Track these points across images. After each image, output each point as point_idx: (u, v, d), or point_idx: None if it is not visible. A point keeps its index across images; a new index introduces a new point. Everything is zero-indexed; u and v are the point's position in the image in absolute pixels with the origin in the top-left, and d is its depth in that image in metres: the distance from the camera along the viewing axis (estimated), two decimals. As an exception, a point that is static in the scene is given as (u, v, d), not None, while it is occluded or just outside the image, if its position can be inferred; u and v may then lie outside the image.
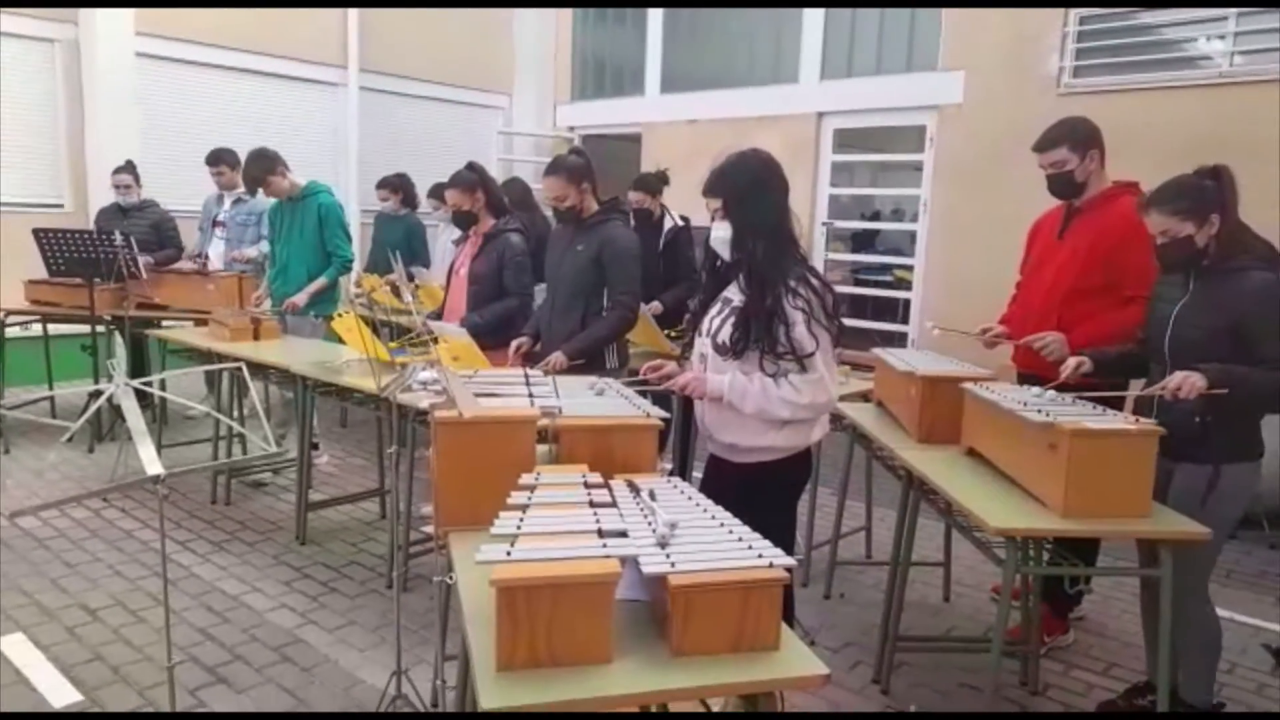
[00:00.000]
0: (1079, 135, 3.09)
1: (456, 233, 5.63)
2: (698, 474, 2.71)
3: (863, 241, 8.90)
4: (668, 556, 1.53)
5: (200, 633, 3.25)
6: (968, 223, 6.68)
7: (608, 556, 1.48)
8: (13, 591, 3.49)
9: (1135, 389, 2.71)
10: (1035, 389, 2.60)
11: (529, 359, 3.55)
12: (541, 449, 2.18)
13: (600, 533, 1.60)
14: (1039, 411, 2.36)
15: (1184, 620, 2.58)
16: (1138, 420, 2.33)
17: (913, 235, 7.30)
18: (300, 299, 4.83)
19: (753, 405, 2.29)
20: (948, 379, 2.91)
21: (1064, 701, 3.01)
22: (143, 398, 2.09)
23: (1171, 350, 2.54)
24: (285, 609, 3.48)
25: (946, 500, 2.61)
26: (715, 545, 1.60)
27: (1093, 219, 3.11)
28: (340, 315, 4.12)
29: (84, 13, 6.88)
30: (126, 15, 6.96)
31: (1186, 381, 2.31)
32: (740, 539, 1.63)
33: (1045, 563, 2.87)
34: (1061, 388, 2.62)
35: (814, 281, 2.30)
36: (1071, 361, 2.73)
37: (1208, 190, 2.46)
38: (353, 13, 8.34)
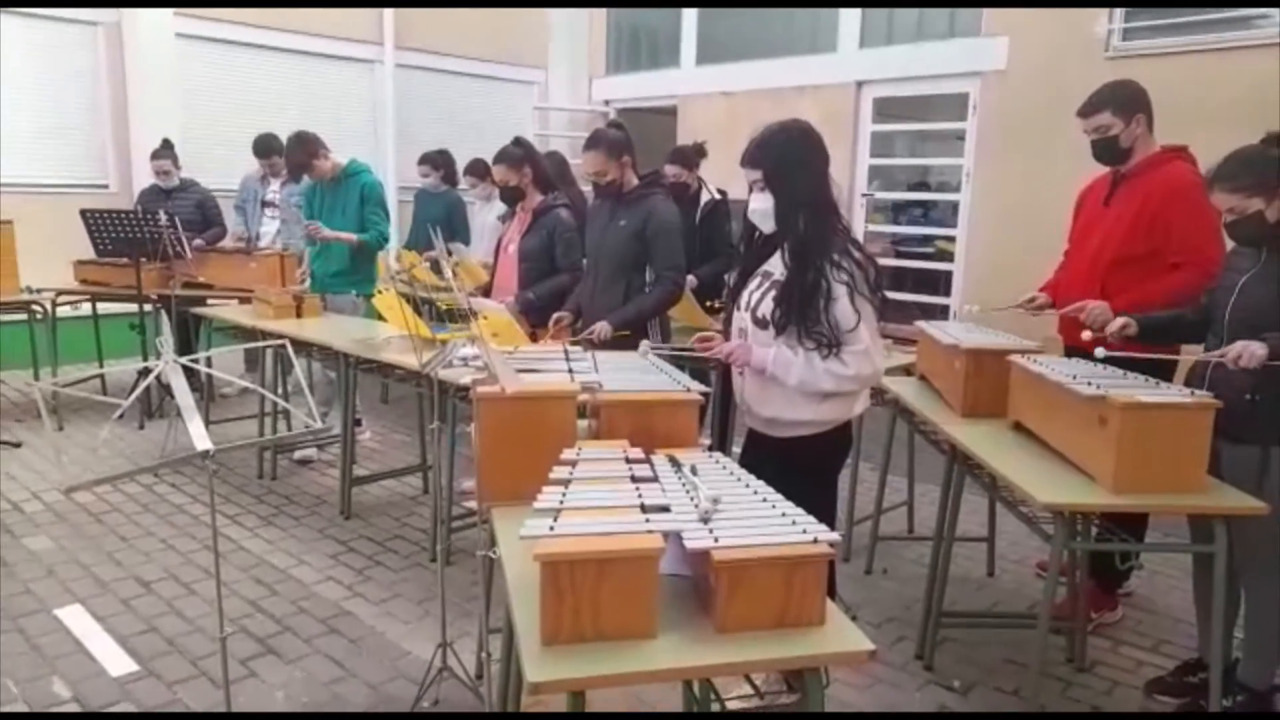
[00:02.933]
0: (1123, 99, 3.00)
1: (495, 209, 5.64)
2: (737, 449, 2.69)
3: (904, 213, 8.75)
4: (711, 531, 1.52)
5: (250, 604, 3.32)
6: (1012, 192, 6.54)
7: (651, 531, 1.48)
8: (71, 564, 3.60)
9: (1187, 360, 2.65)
10: (1086, 361, 2.54)
11: (570, 333, 3.55)
12: (581, 424, 2.18)
13: (643, 508, 1.59)
14: (1089, 384, 2.31)
15: (1253, 600, 2.52)
16: (1193, 393, 2.27)
17: (955, 206, 7.16)
18: (328, 232, 4.77)
19: (796, 377, 2.26)
20: (993, 352, 2.85)
21: (1112, 678, 2.97)
22: (190, 375, 2.12)
23: (1232, 320, 2.46)
24: (332, 582, 3.54)
25: (991, 475, 2.58)
26: (759, 520, 1.59)
27: (1139, 185, 3.03)
28: (380, 292, 4.15)
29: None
30: (167, -4, 7.03)
31: (1247, 350, 2.23)
32: (784, 514, 1.62)
33: (1094, 538, 2.84)
34: (1110, 358, 2.54)
35: (856, 254, 2.26)
36: (1117, 321, 2.66)
37: (1274, 161, 2.36)
38: (389, -11, 8.35)
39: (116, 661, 2.90)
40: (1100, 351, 2.48)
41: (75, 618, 3.18)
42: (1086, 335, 2.63)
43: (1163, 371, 2.73)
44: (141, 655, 2.95)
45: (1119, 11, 6.03)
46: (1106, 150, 3.07)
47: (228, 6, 7.37)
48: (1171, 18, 5.82)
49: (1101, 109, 3.01)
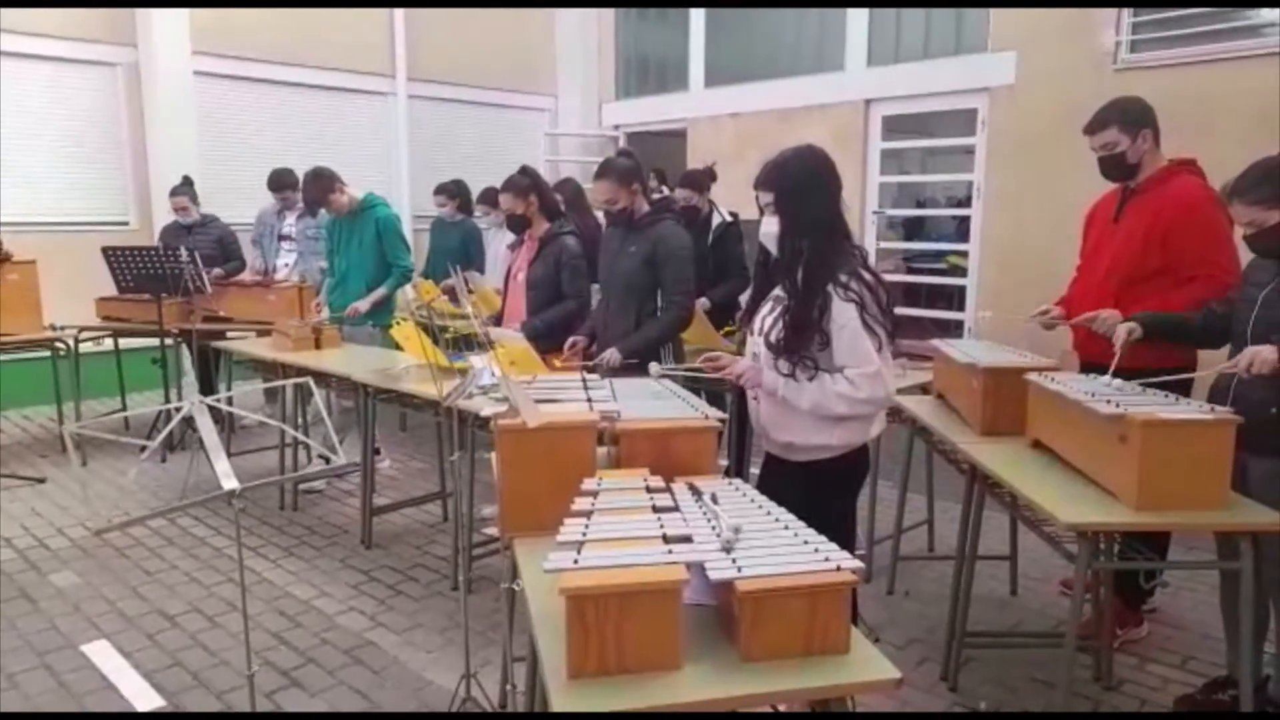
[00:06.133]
0: (1129, 115, 3.01)
1: (506, 237, 5.69)
2: (754, 469, 2.70)
3: (914, 228, 8.77)
4: (733, 561, 1.53)
5: (274, 637, 3.34)
6: (1023, 206, 6.54)
7: (674, 562, 1.49)
8: (96, 600, 3.63)
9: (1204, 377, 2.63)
10: (1103, 378, 2.54)
11: (584, 358, 3.58)
12: (599, 451, 2.19)
13: (665, 538, 1.60)
14: (1108, 402, 2.31)
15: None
16: (1213, 409, 2.26)
17: (962, 220, 7.17)
18: (363, 305, 4.93)
19: (809, 401, 2.26)
20: (1010, 370, 2.85)
21: (1139, 696, 2.94)
22: (212, 410, 2.15)
23: (1254, 335, 2.45)
24: (354, 612, 3.56)
25: (1012, 494, 2.57)
26: (781, 549, 1.59)
27: (1148, 200, 3.03)
28: (398, 323, 4.19)
29: (143, 35, 7.10)
30: (184, 36, 7.17)
31: (1257, 356, 2.23)
32: (805, 542, 1.62)
33: (1117, 555, 2.82)
34: (1121, 371, 2.54)
35: (867, 276, 2.27)
36: (1122, 329, 2.66)
37: None
38: (399, 23, 8.48)
39: (143, 698, 2.92)
40: (1106, 379, 2.48)
41: (102, 653, 3.20)
42: (1106, 380, 2.54)
43: (1181, 385, 2.72)
44: (168, 690, 2.96)
45: (1126, 23, 6.04)
46: (1114, 167, 3.07)
47: (243, 7, 7.48)
48: (1179, 29, 5.83)
49: (1107, 125, 3.02)
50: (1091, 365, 2.99)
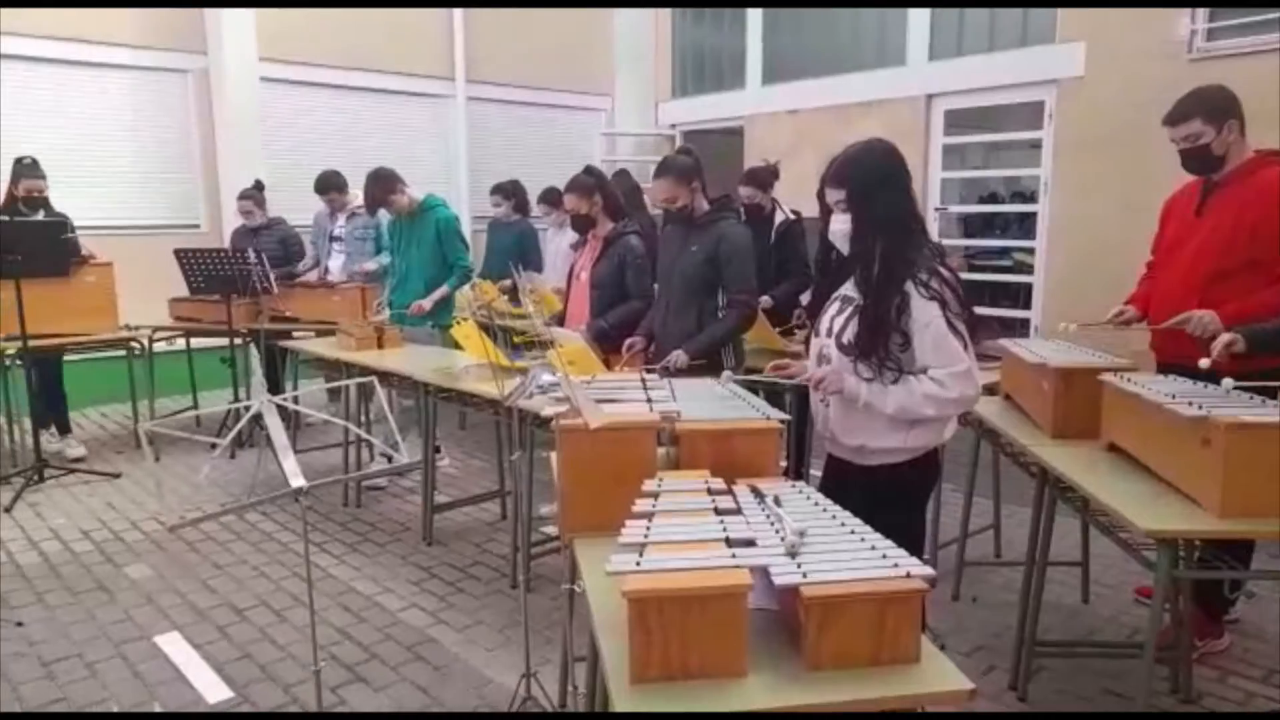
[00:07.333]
0: (1214, 105, 2.88)
1: (568, 236, 5.72)
2: (813, 471, 2.65)
3: (975, 225, 8.57)
4: (799, 566, 1.49)
5: (339, 632, 3.40)
6: (1093, 201, 6.35)
7: (738, 566, 1.46)
8: (169, 593, 3.73)
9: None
10: (1184, 379, 2.44)
11: (643, 360, 3.57)
12: (659, 452, 2.17)
13: (728, 541, 1.58)
14: (1189, 403, 2.21)
15: None
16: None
17: (1026, 216, 6.98)
18: (426, 304, 5.00)
19: (894, 405, 2.18)
20: (1083, 370, 2.76)
21: (1221, 711, 2.82)
22: (279, 407, 2.19)
23: None
24: (416, 609, 3.60)
25: (1085, 498, 2.48)
26: (847, 554, 1.56)
27: (1234, 192, 2.90)
28: (458, 323, 4.23)
29: (213, 43, 7.30)
30: (251, 43, 7.35)
31: None
32: (873, 547, 1.58)
33: (1196, 562, 2.71)
34: (1210, 375, 2.43)
35: (946, 274, 2.20)
36: (1223, 338, 2.53)
37: None
38: (459, 26, 8.57)
39: (214, 689, 2.99)
40: (1205, 362, 2.37)
41: (174, 645, 3.29)
42: (1205, 363, 2.45)
43: (1267, 389, 2.60)
44: (237, 683, 3.03)
45: (1202, 11, 5.81)
46: (1197, 159, 2.95)
47: (307, 7, 7.64)
48: (1258, 13, 5.58)
49: (1190, 117, 2.89)
50: (1170, 366, 2.88)
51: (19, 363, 5.08)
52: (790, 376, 2.40)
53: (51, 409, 5.66)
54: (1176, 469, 2.29)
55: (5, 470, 5.16)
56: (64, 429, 5.75)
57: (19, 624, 3.42)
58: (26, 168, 5.25)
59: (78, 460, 5.55)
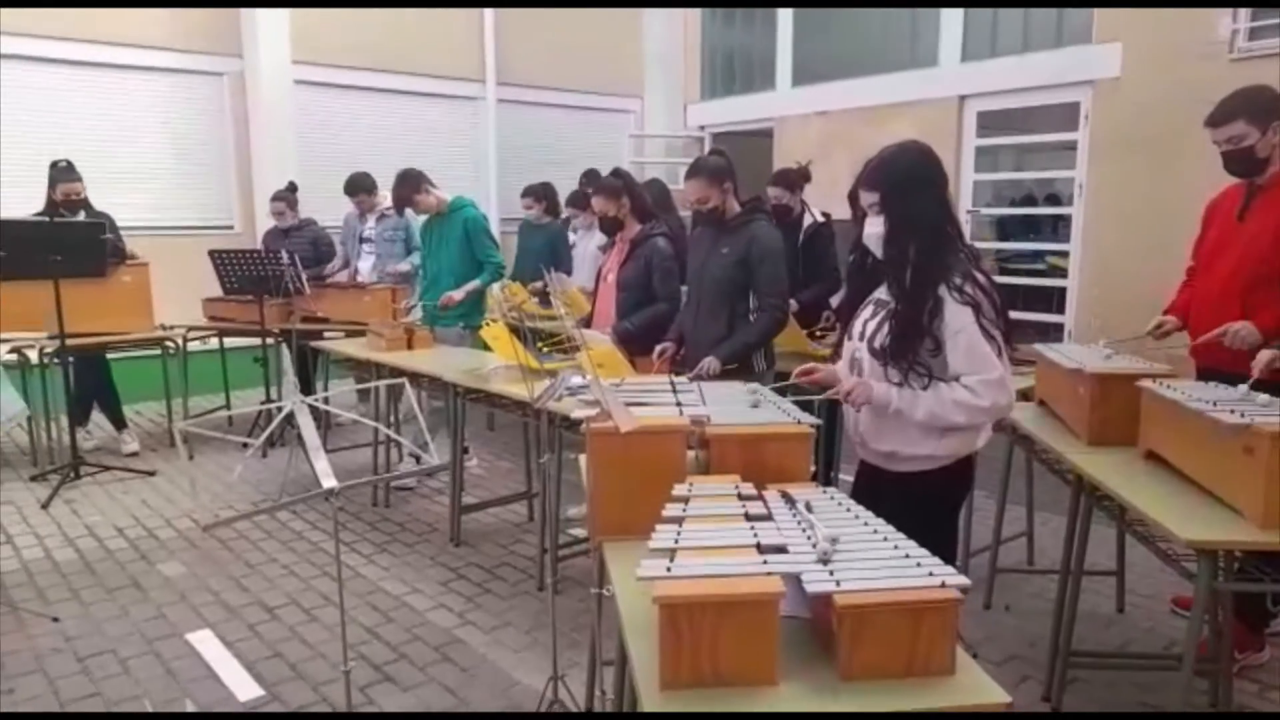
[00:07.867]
0: (1259, 106, 2.82)
1: (596, 239, 5.72)
2: (843, 475, 2.62)
3: (1006, 227, 8.46)
4: (831, 574, 1.48)
5: (368, 631, 3.42)
6: (1131, 204, 6.24)
7: (769, 573, 1.45)
8: (201, 590, 3.78)
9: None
10: (1224, 386, 2.38)
11: (673, 364, 3.55)
12: (688, 455, 2.16)
13: (759, 547, 1.56)
14: (1231, 411, 2.16)
15: None
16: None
17: (1059, 219, 6.87)
18: (458, 294, 5.01)
19: (924, 411, 2.15)
20: (1121, 376, 2.71)
21: (1262, 726, 2.76)
22: (310, 407, 2.21)
23: None
24: (443, 609, 3.61)
25: (1121, 506, 2.44)
26: (880, 561, 1.53)
27: (1278, 197, 2.84)
28: (488, 324, 4.25)
29: (248, 46, 7.40)
30: (285, 46, 7.44)
31: None
32: (907, 555, 1.56)
33: (1236, 574, 2.64)
34: (1257, 385, 2.38)
35: (980, 279, 2.16)
36: (1265, 355, 2.48)
37: None
38: (489, 28, 8.62)
39: (244, 687, 3.02)
40: (1242, 388, 2.32)
41: (206, 642, 3.33)
42: (1243, 389, 2.37)
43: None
44: (267, 681, 3.06)
45: (1244, 10, 5.69)
46: (1240, 162, 2.89)
47: (339, 7, 7.71)
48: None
49: (1234, 118, 2.83)
50: (1209, 373, 2.82)
51: (56, 361, 5.17)
52: (816, 382, 2.37)
53: (105, 407, 5.79)
54: (1217, 478, 2.24)
55: (42, 467, 5.25)
56: (119, 424, 5.86)
57: (55, 619, 3.47)
58: (62, 171, 5.34)
59: (132, 455, 5.66)
